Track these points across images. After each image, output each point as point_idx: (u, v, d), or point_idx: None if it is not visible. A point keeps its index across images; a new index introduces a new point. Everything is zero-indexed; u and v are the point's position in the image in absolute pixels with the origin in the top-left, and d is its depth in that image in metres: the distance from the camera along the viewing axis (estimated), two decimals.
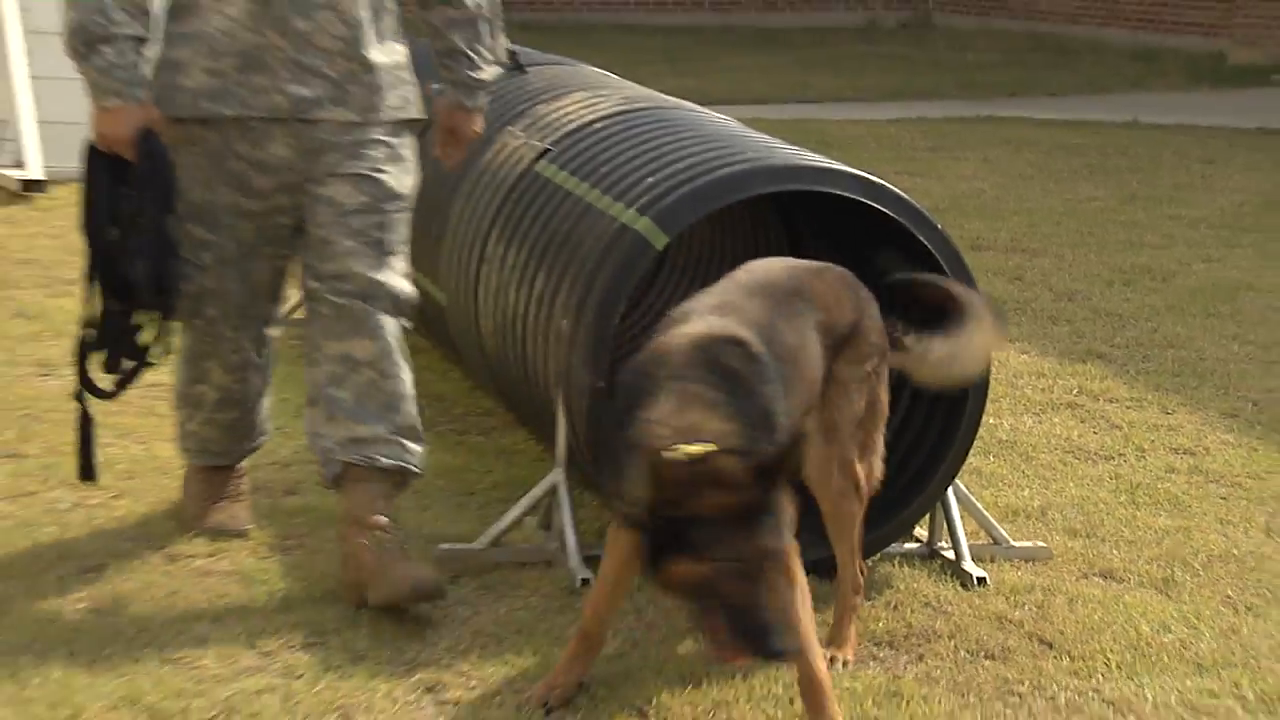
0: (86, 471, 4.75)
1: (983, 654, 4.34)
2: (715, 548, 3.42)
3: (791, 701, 4.05)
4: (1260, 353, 7.30)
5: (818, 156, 5.07)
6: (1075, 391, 6.64)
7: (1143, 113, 14.99)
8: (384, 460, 4.44)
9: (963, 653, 4.34)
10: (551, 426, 4.85)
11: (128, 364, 4.52)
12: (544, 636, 4.40)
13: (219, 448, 4.80)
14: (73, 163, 9.65)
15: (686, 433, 3.54)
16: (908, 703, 4.06)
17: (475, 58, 4.56)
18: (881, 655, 4.36)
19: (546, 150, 4.49)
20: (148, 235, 4.27)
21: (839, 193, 4.78)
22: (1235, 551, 5.12)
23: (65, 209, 9.51)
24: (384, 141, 4.42)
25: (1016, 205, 10.64)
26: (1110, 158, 12.53)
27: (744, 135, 5.39)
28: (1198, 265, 8.98)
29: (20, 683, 4.10)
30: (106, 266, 4.34)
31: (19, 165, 9.98)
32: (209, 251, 4.37)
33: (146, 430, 5.86)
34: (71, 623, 4.44)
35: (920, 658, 4.35)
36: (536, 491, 4.91)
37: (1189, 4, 20.47)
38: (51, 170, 9.84)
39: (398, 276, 4.48)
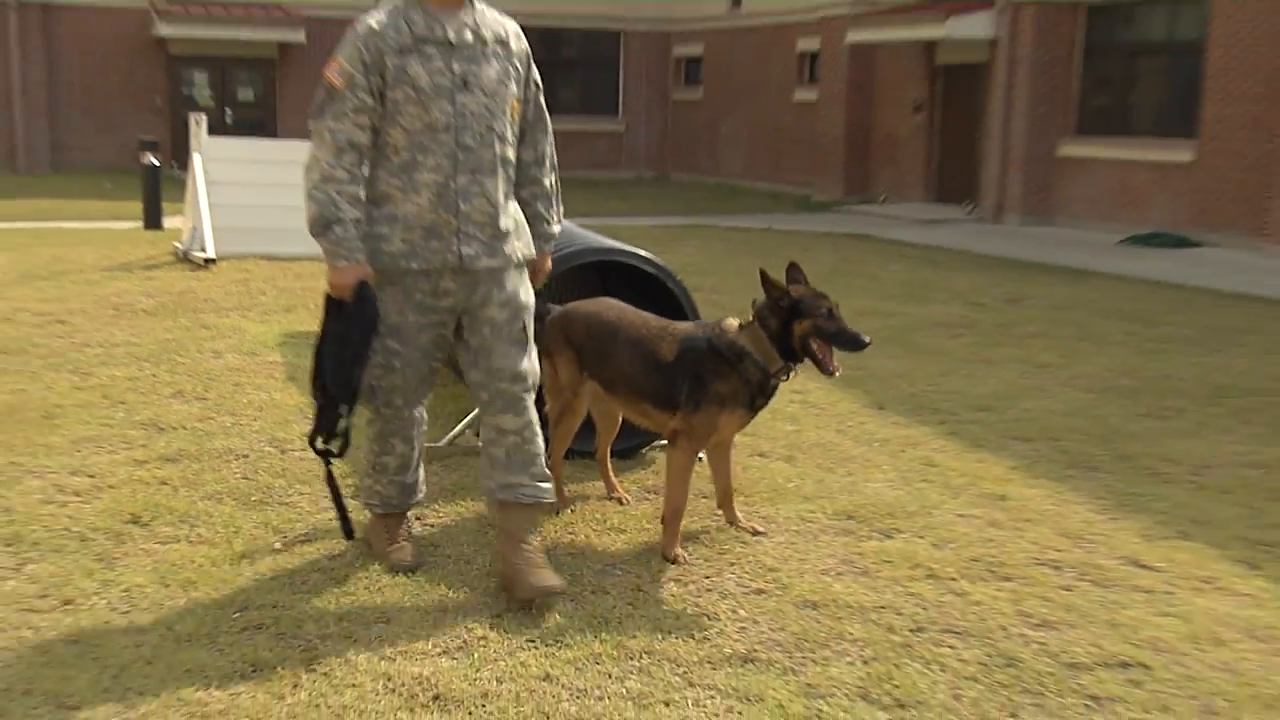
0: (346, 527, 3.71)
1: (694, 494, 4.15)
2: (813, 310, 3.63)
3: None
4: None
5: (617, 242, 5.00)
6: None
7: (775, 224, 15.15)
8: (525, 498, 3.61)
9: None
10: None
11: (334, 442, 3.57)
12: (475, 490, 4.26)
13: (396, 501, 3.74)
14: (230, 248, 9.67)
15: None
16: (638, 519, 3.89)
17: (549, 219, 3.75)
18: (631, 496, 4.30)
19: None
20: (352, 351, 3.45)
21: (629, 261, 4.74)
22: (821, 441, 5.15)
23: (228, 272, 9.23)
24: (513, 273, 3.59)
25: (714, 269, 10.62)
26: (760, 245, 12.67)
27: (579, 232, 5.30)
28: None
29: (210, 514, 3.98)
30: (319, 373, 3.52)
31: (203, 250, 9.69)
32: (398, 358, 3.53)
33: (271, 386, 5.64)
34: (232, 483, 4.28)
35: (647, 499, 4.28)
36: (471, 417, 4.79)
37: (794, 170, 20.81)
38: (220, 253, 9.66)
39: (533, 362, 3.65)
